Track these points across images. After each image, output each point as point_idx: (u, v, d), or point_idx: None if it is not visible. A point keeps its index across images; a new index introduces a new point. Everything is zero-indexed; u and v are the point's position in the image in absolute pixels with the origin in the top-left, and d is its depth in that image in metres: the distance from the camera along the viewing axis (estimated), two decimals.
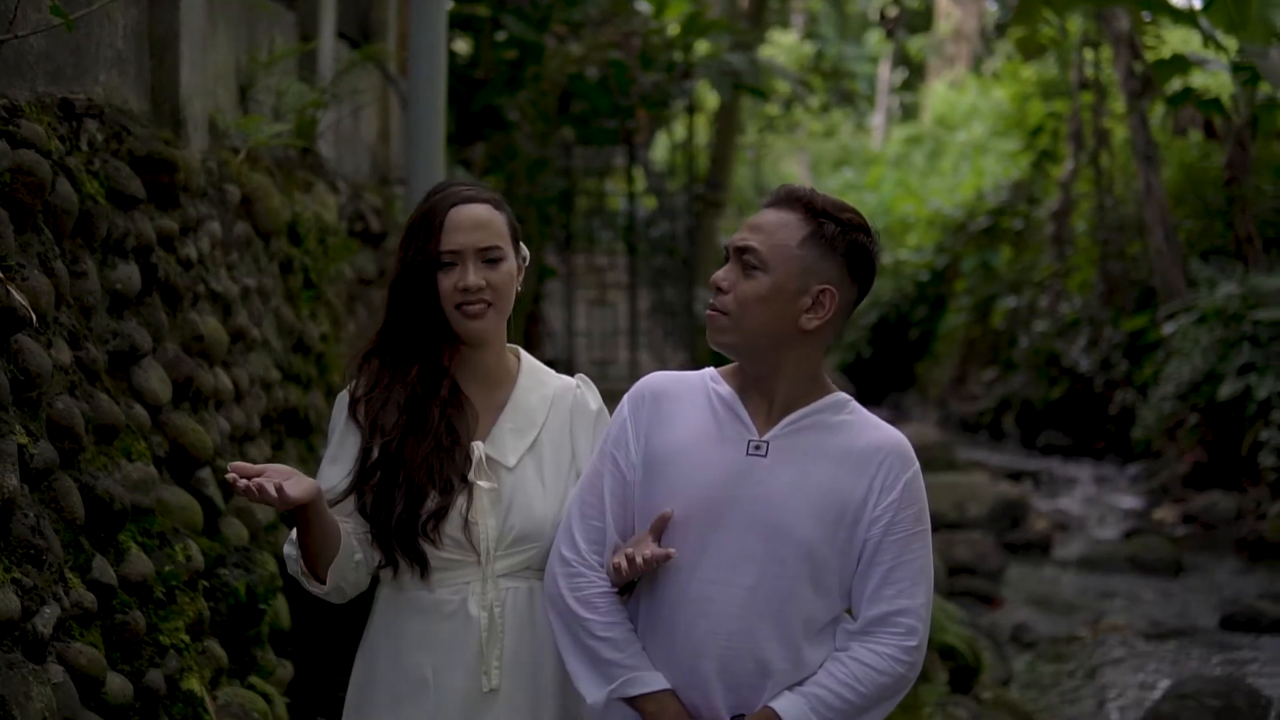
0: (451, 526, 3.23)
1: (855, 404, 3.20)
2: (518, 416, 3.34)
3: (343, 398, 3.35)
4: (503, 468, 3.29)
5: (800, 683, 3.08)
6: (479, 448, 3.28)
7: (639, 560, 3.04)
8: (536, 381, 3.40)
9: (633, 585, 3.20)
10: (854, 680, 3.07)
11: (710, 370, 3.25)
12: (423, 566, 3.23)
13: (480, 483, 3.24)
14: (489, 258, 3.23)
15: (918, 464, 3.18)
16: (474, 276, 3.21)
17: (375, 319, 9.29)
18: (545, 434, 3.35)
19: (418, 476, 3.22)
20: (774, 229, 3.07)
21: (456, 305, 3.22)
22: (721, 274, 3.10)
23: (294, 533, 3.21)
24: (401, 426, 3.25)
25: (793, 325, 3.07)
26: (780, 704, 3.06)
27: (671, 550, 3.06)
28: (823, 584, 3.11)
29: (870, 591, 3.11)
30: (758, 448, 3.11)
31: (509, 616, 3.25)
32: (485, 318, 3.25)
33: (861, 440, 3.14)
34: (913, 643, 3.10)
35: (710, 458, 3.13)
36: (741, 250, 3.08)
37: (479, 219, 3.23)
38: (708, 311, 3.12)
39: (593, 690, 3.11)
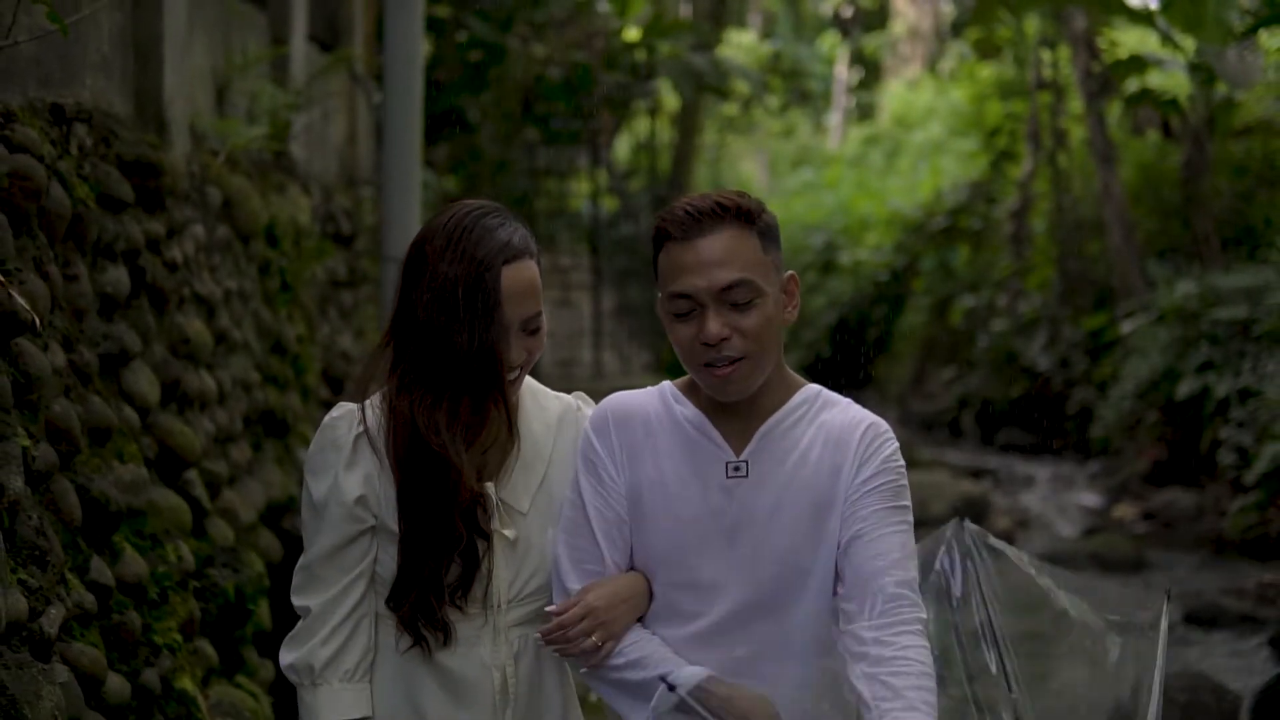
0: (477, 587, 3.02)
1: (826, 393, 3.04)
2: (524, 449, 3.06)
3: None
4: (517, 513, 3.04)
5: (894, 693, 2.81)
6: (491, 490, 3.02)
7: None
8: (538, 406, 3.13)
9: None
10: (928, 672, 2.84)
11: (668, 387, 3.05)
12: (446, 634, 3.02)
13: (505, 531, 3.01)
14: None
15: (896, 443, 3.02)
16: None
17: (345, 320, 9.35)
18: (553, 467, 3.09)
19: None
20: (737, 250, 2.85)
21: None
22: (713, 328, 2.83)
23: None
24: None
25: (782, 329, 2.94)
26: None
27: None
28: (825, 589, 2.95)
29: (860, 569, 2.90)
30: (737, 469, 2.95)
31: (521, 677, 3.04)
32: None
33: (837, 424, 2.98)
34: (925, 615, 2.92)
35: (689, 489, 2.96)
36: (726, 289, 2.84)
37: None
38: (717, 371, 2.86)
39: (638, 716, 2.92)
